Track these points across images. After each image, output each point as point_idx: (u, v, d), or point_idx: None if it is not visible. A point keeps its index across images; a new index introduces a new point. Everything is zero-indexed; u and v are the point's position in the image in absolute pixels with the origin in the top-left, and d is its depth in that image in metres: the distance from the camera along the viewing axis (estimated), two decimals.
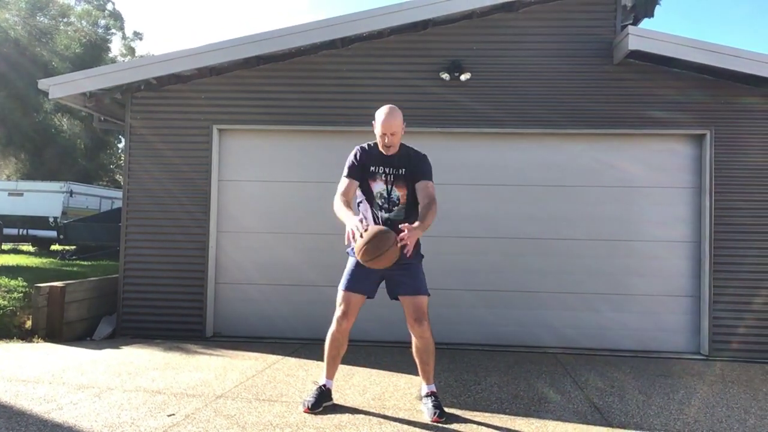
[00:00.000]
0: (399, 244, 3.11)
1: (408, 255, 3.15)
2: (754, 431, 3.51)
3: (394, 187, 3.53)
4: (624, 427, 3.48)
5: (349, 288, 3.51)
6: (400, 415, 3.51)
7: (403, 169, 3.53)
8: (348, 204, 3.45)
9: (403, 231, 3.09)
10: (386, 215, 3.53)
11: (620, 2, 6.00)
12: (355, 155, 3.58)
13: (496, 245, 5.96)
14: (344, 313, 3.50)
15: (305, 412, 3.46)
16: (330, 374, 3.62)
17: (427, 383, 3.58)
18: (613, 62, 5.89)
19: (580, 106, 5.88)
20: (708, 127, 5.77)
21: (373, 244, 3.10)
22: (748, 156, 5.74)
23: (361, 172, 3.55)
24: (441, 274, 5.76)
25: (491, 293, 5.94)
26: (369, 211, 3.60)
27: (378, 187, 3.55)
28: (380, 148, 3.52)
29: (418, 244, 3.64)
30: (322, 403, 3.53)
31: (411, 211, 3.52)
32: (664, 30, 6.01)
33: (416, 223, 3.21)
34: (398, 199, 3.54)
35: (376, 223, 3.52)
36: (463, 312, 5.91)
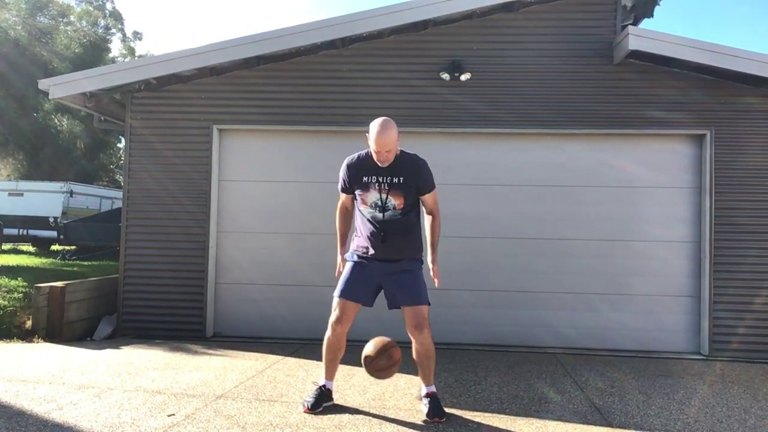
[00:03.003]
0: (435, 280, 3.57)
1: (436, 285, 3.61)
2: (754, 431, 3.51)
3: (389, 196, 3.44)
4: (624, 427, 3.48)
5: (343, 295, 3.51)
6: (400, 415, 3.51)
7: (401, 178, 3.42)
8: (344, 222, 3.73)
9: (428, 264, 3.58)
10: (381, 215, 3.48)
11: (620, 2, 6.00)
12: (345, 170, 3.56)
13: (496, 245, 5.96)
14: (338, 319, 3.50)
15: (305, 412, 3.47)
16: (330, 375, 3.63)
17: (427, 384, 3.57)
18: (613, 62, 5.89)
19: (580, 106, 5.88)
20: (708, 127, 5.77)
21: (372, 366, 3.38)
22: (748, 156, 5.74)
23: (351, 187, 3.56)
24: (441, 274, 5.72)
25: (491, 293, 5.94)
26: (363, 224, 3.55)
27: (372, 196, 3.48)
28: (375, 160, 3.43)
29: (419, 248, 3.63)
30: (322, 403, 3.54)
31: (408, 214, 3.50)
32: (664, 30, 6.02)
33: (430, 257, 3.61)
34: (394, 207, 3.47)
35: (372, 225, 3.49)
36: (463, 312, 5.91)
